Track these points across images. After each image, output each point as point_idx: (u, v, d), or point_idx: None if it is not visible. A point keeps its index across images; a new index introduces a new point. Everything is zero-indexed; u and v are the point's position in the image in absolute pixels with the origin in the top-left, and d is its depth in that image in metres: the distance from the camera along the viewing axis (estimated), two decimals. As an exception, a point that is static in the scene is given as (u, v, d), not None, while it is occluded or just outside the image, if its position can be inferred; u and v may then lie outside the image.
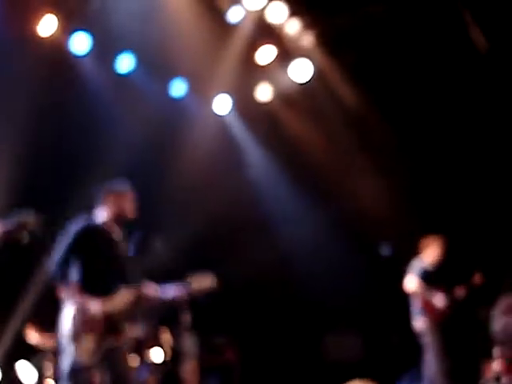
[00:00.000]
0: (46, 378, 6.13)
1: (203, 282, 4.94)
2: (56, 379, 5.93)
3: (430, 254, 6.82)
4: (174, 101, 8.09)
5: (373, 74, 7.97)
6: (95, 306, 4.34)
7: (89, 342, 4.31)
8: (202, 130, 8.09)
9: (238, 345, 7.41)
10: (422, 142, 8.11)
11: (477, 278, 6.87)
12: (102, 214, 4.65)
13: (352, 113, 8.31)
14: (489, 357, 6.91)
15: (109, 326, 4.38)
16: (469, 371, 7.00)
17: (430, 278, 6.69)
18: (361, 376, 7.47)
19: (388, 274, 6.79)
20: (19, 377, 6.34)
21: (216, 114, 8.51)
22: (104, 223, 4.63)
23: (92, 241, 4.48)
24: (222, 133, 8.50)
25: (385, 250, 6.85)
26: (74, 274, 4.40)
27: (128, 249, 4.73)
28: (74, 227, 4.53)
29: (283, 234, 8.24)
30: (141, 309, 4.73)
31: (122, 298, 4.48)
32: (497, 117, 7.62)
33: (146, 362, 5.98)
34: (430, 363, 6.58)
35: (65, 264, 4.39)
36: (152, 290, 4.72)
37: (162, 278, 5.22)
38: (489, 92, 7.59)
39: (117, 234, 4.68)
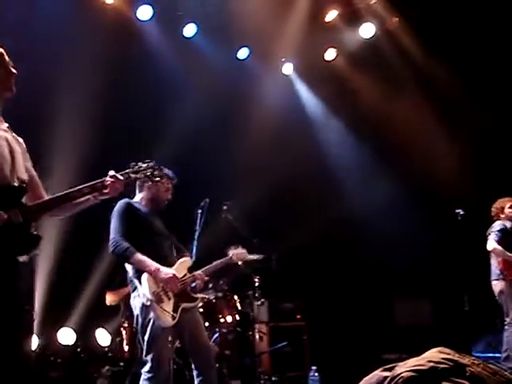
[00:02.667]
0: (121, 340, 6.28)
1: (242, 255, 5.06)
2: (130, 342, 6.09)
3: (509, 215, 6.59)
4: (240, 63, 8.05)
5: (437, 29, 7.66)
6: (166, 270, 4.43)
7: (166, 305, 4.40)
8: (268, 91, 8.06)
9: (308, 310, 7.39)
10: (493, 97, 7.76)
11: None
12: (138, 197, 4.79)
13: (419, 68, 8.05)
14: None
15: (182, 291, 4.50)
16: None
17: (510, 240, 6.46)
18: (432, 341, 7.43)
19: (461, 236, 6.57)
20: (95, 339, 6.54)
21: (282, 75, 8.44)
22: (141, 203, 4.77)
23: (133, 216, 4.59)
24: (287, 93, 8.42)
25: (459, 212, 6.60)
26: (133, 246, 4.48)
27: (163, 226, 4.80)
28: (116, 207, 4.63)
29: (352, 194, 8.11)
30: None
31: (181, 267, 4.61)
32: None
33: (217, 326, 6.03)
34: (509, 326, 6.40)
35: (120, 240, 4.46)
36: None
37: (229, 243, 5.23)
38: None
39: (152, 214, 4.77)
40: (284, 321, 7.20)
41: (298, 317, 7.29)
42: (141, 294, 4.47)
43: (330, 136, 8.58)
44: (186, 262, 4.71)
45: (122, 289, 6.23)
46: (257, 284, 6.59)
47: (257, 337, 6.58)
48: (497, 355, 6.81)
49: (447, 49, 7.75)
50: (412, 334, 7.49)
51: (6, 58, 3.17)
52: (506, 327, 6.45)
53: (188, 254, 4.85)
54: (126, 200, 4.67)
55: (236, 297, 6.54)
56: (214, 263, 4.94)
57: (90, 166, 6.12)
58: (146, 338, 4.45)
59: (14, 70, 3.17)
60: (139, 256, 4.43)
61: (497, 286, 6.51)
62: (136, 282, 4.50)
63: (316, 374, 5.90)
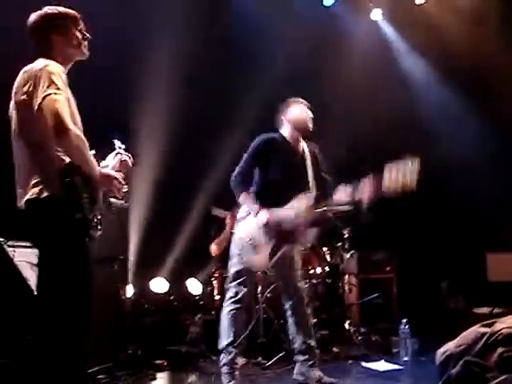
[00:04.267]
0: (212, 289, 6.44)
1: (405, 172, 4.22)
2: (221, 291, 6.23)
3: None
4: (327, 10, 7.87)
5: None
6: (262, 216, 4.44)
7: (264, 249, 4.46)
8: (357, 38, 7.86)
9: (398, 261, 7.28)
10: None
11: None
12: (283, 128, 4.77)
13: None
14: None
15: (282, 235, 4.48)
16: None
17: None
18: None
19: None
20: (187, 288, 6.73)
21: (370, 20, 8.18)
22: (285, 136, 4.75)
23: (269, 152, 4.59)
24: (376, 39, 8.16)
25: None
26: (252, 183, 4.60)
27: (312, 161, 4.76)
28: (255, 141, 4.65)
29: (442, 141, 7.81)
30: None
31: (295, 207, 4.52)
32: None
33: (307, 277, 6.04)
34: None
35: (243, 173, 4.56)
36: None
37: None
38: None
39: (300, 146, 4.76)
40: (374, 273, 7.14)
41: (388, 269, 7.21)
42: (241, 231, 4.56)
43: (419, 82, 8.29)
44: (303, 199, 4.51)
45: (221, 237, 6.36)
46: (346, 236, 6.54)
47: (346, 288, 6.56)
48: None
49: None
50: (505, 289, 7.25)
51: (81, 22, 3.22)
52: None
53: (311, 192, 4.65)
54: (265, 135, 4.69)
55: (325, 248, 6.53)
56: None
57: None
58: (232, 271, 4.61)
59: (87, 35, 3.23)
60: (245, 197, 4.53)
61: None
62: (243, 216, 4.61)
63: (406, 327, 5.82)
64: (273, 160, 4.57)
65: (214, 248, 6.52)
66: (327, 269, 6.40)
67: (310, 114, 4.74)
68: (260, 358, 5.59)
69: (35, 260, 3.00)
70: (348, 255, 6.61)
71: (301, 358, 4.70)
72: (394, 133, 7.43)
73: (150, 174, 6.55)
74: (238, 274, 4.59)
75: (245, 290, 4.59)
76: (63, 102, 2.85)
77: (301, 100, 4.79)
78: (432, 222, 7.84)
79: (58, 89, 2.86)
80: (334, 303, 6.41)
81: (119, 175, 3.13)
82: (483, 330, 3.07)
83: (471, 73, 7.68)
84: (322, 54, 7.51)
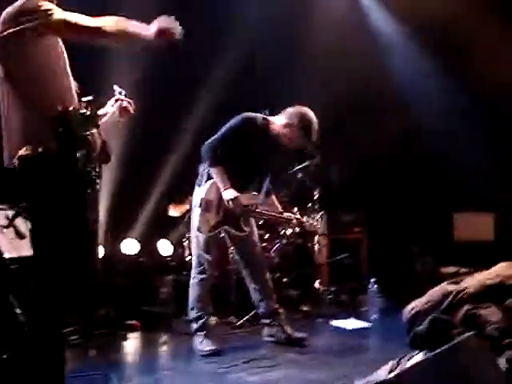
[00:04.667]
0: (183, 250, 6.45)
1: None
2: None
3: None
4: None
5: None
6: (228, 194, 4.53)
7: (210, 216, 4.60)
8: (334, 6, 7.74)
9: (367, 222, 7.38)
10: None
11: None
12: (273, 122, 4.75)
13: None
14: None
15: (235, 216, 4.64)
16: None
17: None
18: (493, 258, 7.34)
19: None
20: (158, 249, 6.73)
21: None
22: (268, 128, 4.73)
23: (246, 136, 4.57)
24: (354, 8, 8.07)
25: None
26: (222, 159, 4.57)
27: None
28: (237, 120, 4.64)
29: (417, 105, 7.84)
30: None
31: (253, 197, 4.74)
32: None
33: (277, 238, 6.10)
34: None
35: (215, 148, 4.55)
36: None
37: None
38: None
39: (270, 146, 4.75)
40: (343, 233, 7.23)
41: (358, 229, 7.31)
42: (197, 195, 4.64)
43: (389, 39, 8.26)
44: (252, 196, 4.77)
45: (185, 203, 6.36)
46: (316, 196, 6.58)
47: (316, 249, 6.64)
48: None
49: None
50: (472, 249, 7.41)
51: None
52: None
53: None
54: (248, 117, 4.67)
55: (296, 209, 6.57)
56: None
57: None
58: (195, 238, 4.73)
59: None
60: (217, 168, 4.55)
61: None
62: (202, 181, 4.66)
63: (375, 286, 5.94)
64: (246, 144, 4.57)
65: (172, 209, 6.58)
66: (297, 229, 6.46)
67: (309, 138, 4.68)
68: (232, 317, 5.66)
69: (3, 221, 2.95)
70: (318, 216, 6.65)
71: (267, 321, 4.83)
72: (366, 92, 7.43)
73: (123, 134, 6.46)
74: (200, 242, 4.66)
75: (209, 257, 4.67)
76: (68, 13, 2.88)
77: (310, 123, 4.67)
78: (401, 182, 7.92)
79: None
80: (304, 263, 6.50)
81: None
82: (450, 287, 3.15)
83: (441, 31, 7.66)
84: (294, 15, 7.40)
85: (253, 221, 4.86)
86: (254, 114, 4.67)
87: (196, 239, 4.70)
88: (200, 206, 4.57)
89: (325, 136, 4.79)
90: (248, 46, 6.90)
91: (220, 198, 4.54)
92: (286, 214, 5.07)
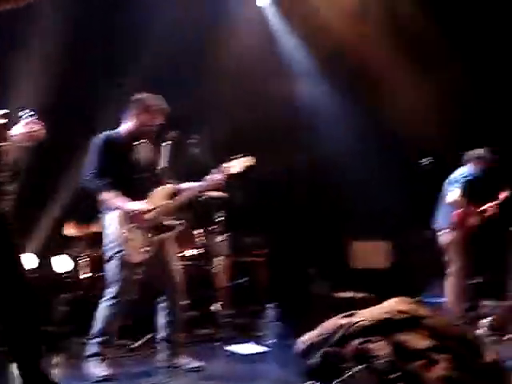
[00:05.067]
0: (80, 268, 6.29)
1: (240, 163, 4.94)
2: (92, 270, 6.12)
3: (473, 166, 6.57)
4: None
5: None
6: (134, 205, 4.50)
7: (137, 239, 4.50)
8: (241, 24, 7.82)
9: (269, 245, 7.47)
10: (472, 48, 7.67)
11: (503, 194, 6.65)
12: (125, 127, 4.71)
13: (399, 12, 7.92)
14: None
15: (153, 225, 4.57)
16: (493, 287, 7.04)
17: (470, 191, 6.49)
18: (387, 285, 7.64)
19: (424, 185, 6.64)
20: (54, 266, 6.52)
21: (256, 7, 8.20)
22: (125, 135, 4.69)
23: (111, 152, 4.55)
24: (261, 26, 8.20)
25: (425, 162, 6.62)
26: (107, 183, 4.48)
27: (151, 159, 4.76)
28: (95, 141, 4.61)
29: (321, 133, 8.06)
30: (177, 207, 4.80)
31: (157, 197, 4.64)
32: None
33: (179, 258, 6.06)
34: (453, 278, 6.51)
35: (96, 176, 4.48)
36: (185, 186, 4.84)
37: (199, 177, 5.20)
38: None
39: (138, 146, 4.73)
40: (245, 255, 7.28)
41: (259, 252, 7.38)
42: (110, 228, 4.50)
43: (301, 72, 8.45)
44: (164, 189, 4.69)
45: (85, 225, 6.21)
46: (219, 219, 6.60)
47: (217, 271, 6.63)
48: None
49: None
50: (368, 276, 7.67)
51: None
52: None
53: (170, 181, 4.78)
54: (105, 134, 4.63)
55: (198, 231, 6.57)
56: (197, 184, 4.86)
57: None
58: (111, 269, 4.54)
59: None
60: (108, 194, 4.46)
61: (446, 236, 6.53)
62: (106, 216, 4.56)
63: (273, 310, 6.01)
64: (116, 158, 4.54)
65: (68, 229, 6.41)
66: (199, 251, 6.45)
67: (160, 119, 4.68)
68: (126, 340, 5.55)
69: None
70: (221, 238, 6.67)
71: (165, 346, 4.75)
72: (272, 120, 7.57)
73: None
74: (115, 268, 4.54)
75: (124, 283, 4.54)
76: None
77: (155, 102, 4.68)
78: (303, 209, 8.11)
79: None
80: (205, 285, 6.48)
81: None
82: (343, 320, 3.24)
83: (352, 66, 7.94)
84: (204, 39, 7.42)
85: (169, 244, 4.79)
86: (104, 133, 4.66)
87: (113, 267, 4.56)
88: (119, 238, 4.47)
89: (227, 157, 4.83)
90: (154, 70, 6.83)
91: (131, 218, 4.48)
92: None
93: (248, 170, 5.06)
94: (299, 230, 7.93)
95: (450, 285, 6.52)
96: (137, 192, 4.55)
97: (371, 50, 7.97)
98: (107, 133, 4.67)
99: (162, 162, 4.94)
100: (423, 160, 6.63)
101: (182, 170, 5.55)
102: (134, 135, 4.68)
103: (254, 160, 5.02)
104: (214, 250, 6.58)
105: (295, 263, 7.81)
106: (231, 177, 4.89)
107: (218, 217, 6.49)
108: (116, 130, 4.73)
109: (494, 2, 7.48)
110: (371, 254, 8.00)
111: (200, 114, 7.05)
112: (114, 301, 4.53)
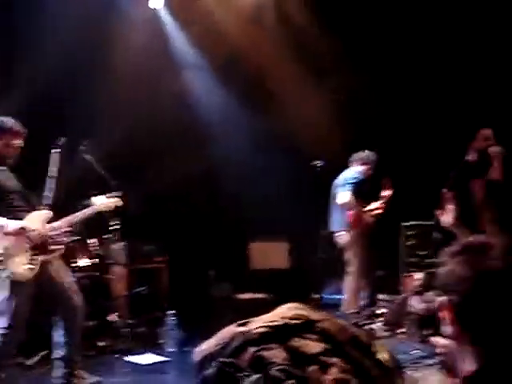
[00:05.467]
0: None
1: (107, 202, 5.01)
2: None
3: (362, 166, 6.76)
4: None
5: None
6: (12, 225, 4.34)
7: (20, 259, 4.35)
8: (134, 26, 7.66)
9: (168, 252, 7.38)
10: (365, 56, 7.92)
11: (387, 192, 6.88)
12: None
13: (295, 21, 8.05)
14: (409, 271, 7.31)
15: (39, 243, 4.46)
16: (389, 284, 7.30)
17: (358, 192, 6.69)
18: (287, 285, 7.75)
19: (318, 187, 6.78)
20: None
21: (149, 8, 8.08)
22: None
23: None
24: (154, 29, 8.08)
25: (318, 164, 6.78)
26: None
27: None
28: None
29: (217, 139, 8.06)
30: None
31: (37, 217, 4.53)
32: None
33: (72, 271, 5.87)
34: (351, 277, 6.68)
35: None
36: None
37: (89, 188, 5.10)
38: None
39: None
40: (143, 263, 7.15)
41: (158, 259, 7.28)
42: None
43: (196, 77, 8.40)
44: (41, 214, 4.56)
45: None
46: (115, 227, 6.44)
47: (114, 280, 6.48)
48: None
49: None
50: (268, 277, 7.74)
51: None
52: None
53: (43, 206, 4.63)
54: None
55: (93, 240, 6.39)
56: (77, 215, 4.77)
57: None
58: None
59: None
60: None
61: (342, 237, 6.70)
62: None
63: (173, 318, 5.94)
64: None
65: None
66: (94, 261, 6.27)
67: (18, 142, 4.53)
68: (21, 358, 5.31)
69: None
70: (117, 246, 6.52)
71: (62, 365, 4.60)
72: (168, 128, 7.47)
73: None
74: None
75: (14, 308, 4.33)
76: None
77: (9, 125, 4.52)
78: (202, 214, 8.08)
79: None
80: (101, 295, 6.31)
81: None
82: (238, 329, 3.21)
83: (248, 72, 7.98)
84: (96, 40, 7.21)
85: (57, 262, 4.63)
86: None
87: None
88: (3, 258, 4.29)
89: (122, 169, 4.73)
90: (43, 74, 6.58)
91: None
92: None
93: (115, 209, 5.16)
94: (199, 235, 7.89)
95: (348, 284, 6.67)
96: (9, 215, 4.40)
97: (266, 57, 8.04)
98: None
99: (52, 171, 4.77)
100: (315, 162, 6.77)
101: (73, 176, 5.41)
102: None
103: (121, 202, 5.14)
104: (111, 258, 6.43)
105: (195, 268, 7.75)
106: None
107: (113, 225, 6.35)
108: None
109: (385, 12, 7.72)
110: (270, 254, 8.07)
111: (92, 119, 6.86)
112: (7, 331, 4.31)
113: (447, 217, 3.22)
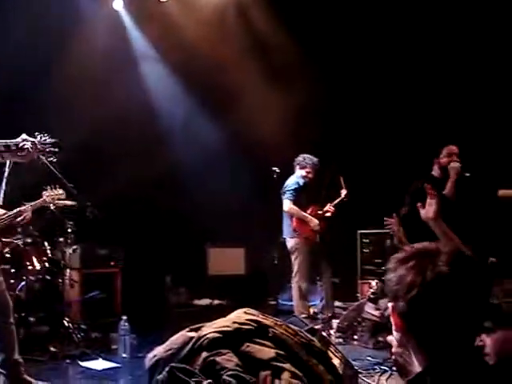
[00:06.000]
0: None
1: (54, 194, 4.98)
2: None
3: (301, 171, 6.83)
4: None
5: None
6: None
7: None
8: (95, 26, 7.58)
9: (123, 256, 7.28)
10: (328, 65, 7.98)
11: (343, 192, 6.98)
12: None
13: (257, 27, 8.07)
14: (365, 278, 7.38)
15: None
16: (346, 290, 7.37)
17: (303, 197, 6.78)
18: (242, 290, 7.74)
19: (275, 194, 6.82)
20: None
21: (111, 9, 8.00)
22: None
23: None
24: (115, 29, 8.00)
25: (275, 170, 6.82)
26: None
27: None
28: None
29: (175, 144, 8.02)
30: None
31: None
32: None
33: (25, 274, 5.75)
34: (295, 281, 6.73)
35: None
36: None
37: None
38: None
39: None
40: (97, 267, 7.04)
41: (112, 263, 7.17)
42: None
43: (156, 79, 8.34)
44: None
45: None
46: (70, 230, 6.34)
47: (67, 284, 6.36)
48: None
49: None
50: (224, 283, 7.72)
51: None
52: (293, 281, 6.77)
53: None
54: None
55: (47, 243, 6.26)
56: (26, 206, 4.64)
57: None
58: None
59: None
60: None
61: (290, 242, 6.78)
62: None
63: (126, 323, 5.85)
64: None
65: None
66: (47, 264, 6.14)
67: None
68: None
69: None
70: (71, 250, 6.41)
71: (4, 372, 4.44)
72: (126, 131, 7.39)
73: None
74: None
75: None
76: None
77: None
78: (160, 219, 8.00)
79: None
80: (54, 300, 6.18)
81: None
82: (191, 334, 3.18)
83: (208, 75, 7.95)
84: (56, 40, 7.10)
85: None
86: None
87: None
88: None
89: (78, 172, 4.65)
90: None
91: None
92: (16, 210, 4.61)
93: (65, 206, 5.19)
94: (156, 240, 7.81)
95: (294, 288, 6.73)
96: None
97: (228, 61, 8.04)
98: None
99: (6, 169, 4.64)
100: (273, 169, 6.82)
101: (28, 178, 5.29)
102: None
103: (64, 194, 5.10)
104: (64, 262, 6.31)
105: (152, 273, 7.67)
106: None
107: (68, 228, 6.24)
108: None
109: (348, 18, 7.79)
110: (227, 260, 8.06)
111: (48, 121, 6.72)
112: None
113: (428, 211, 3.22)
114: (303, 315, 6.38)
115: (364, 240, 7.74)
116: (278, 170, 6.85)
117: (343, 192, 7.01)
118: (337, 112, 7.96)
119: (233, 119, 7.91)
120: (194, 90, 8.13)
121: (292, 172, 6.90)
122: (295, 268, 6.70)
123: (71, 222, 6.23)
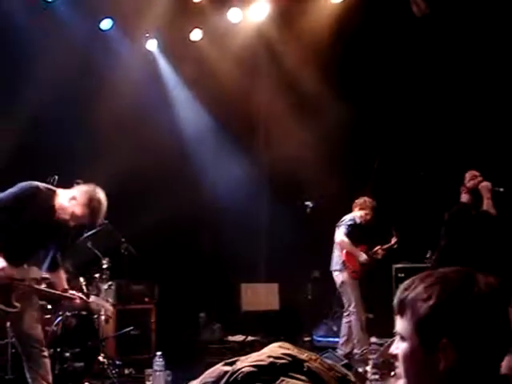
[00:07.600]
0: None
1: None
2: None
3: (360, 211, 6.92)
4: (102, 34, 7.72)
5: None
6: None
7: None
8: (130, 66, 7.80)
9: (157, 293, 7.31)
10: (352, 92, 8.02)
11: (394, 240, 7.08)
12: (67, 194, 4.43)
13: (285, 62, 8.18)
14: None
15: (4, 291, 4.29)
16: (383, 325, 7.25)
17: (356, 235, 6.83)
18: (277, 326, 7.67)
19: (309, 227, 6.82)
20: None
21: (145, 50, 8.21)
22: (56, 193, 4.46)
23: (28, 202, 4.28)
24: (149, 69, 8.21)
25: (308, 204, 6.86)
26: None
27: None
28: (25, 183, 4.33)
29: (207, 182, 8.09)
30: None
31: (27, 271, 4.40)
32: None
33: (61, 309, 5.80)
34: (349, 315, 6.73)
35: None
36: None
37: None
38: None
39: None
40: (132, 303, 7.08)
41: (147, 300, 7.21)
42: None
43: (189, 117, 8.48)
44: (32, 270, 4.43)
45: None
46: (105, 266, 6.40)
47: (102, 320, 6.39)
48: (336, 339, 7.19)
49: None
50: (258, 319, 7.67)
51: None
52: (346, 315, 6.79)
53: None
54: (35, 186, 4.33)
55: (82, 279, 6.32)
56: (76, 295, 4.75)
57: None
58: None
59: None
60: None
61: (338, 276, 6.82)
62: None
63: (161, 359, 5.83)
64: (27, 211, 4.27)
65: None
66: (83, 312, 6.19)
67: (93, 219, 4.50)
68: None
69: None
70: (106, 286, 6.47)
71: None
72: (163, 168, 7.50)
73: None
74: None
75: None
76: None
77: (98, 204, 4.42)
78: (193, 256, 8.05)
79: None
80: (89, 335, 6.21)
81: None
82: (225, 368, 3.16)
83: (241, 118, 8.07)
84: (93, 78, 7.31)
85: (35, 297, 4.55)
86: (38, 183, 4.43)
87: None
88: None
89: (113, 208, 4.69)
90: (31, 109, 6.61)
91: None
92: (70, 292, 4.72)
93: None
94: (190, 276, 7.85)
95: (353, 322, 6.72)
96: (22, 255, 4.33)
97: (259, 100, 8.14)
98: (36, 184, 4.38)
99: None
100: (306, 203, 6.85)
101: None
102: (57, 206, 4.38)
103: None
104: (99, 298, 6.36)
105: (186, 309, 7.68)
106: None
107: (103, 264, 6.31)
108: (48, 187, 4.50)
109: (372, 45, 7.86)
110: (261, 296, 8.02)
111: (83, 156, 6.89)
112: None
113: None
114: (358, 350, 6.40)
115: (399, 274, 7.64)
116: (311, 205, 6.89)
117: (393, 240, 7.07)
118: (368, 146, 7.95)
119: (265, 153, 7.98)
120: (223, 127, 8.23)
121: (327, 206, 6.95)
122: (350, 302, 6.77)
123: (107, 258, 6.30)
